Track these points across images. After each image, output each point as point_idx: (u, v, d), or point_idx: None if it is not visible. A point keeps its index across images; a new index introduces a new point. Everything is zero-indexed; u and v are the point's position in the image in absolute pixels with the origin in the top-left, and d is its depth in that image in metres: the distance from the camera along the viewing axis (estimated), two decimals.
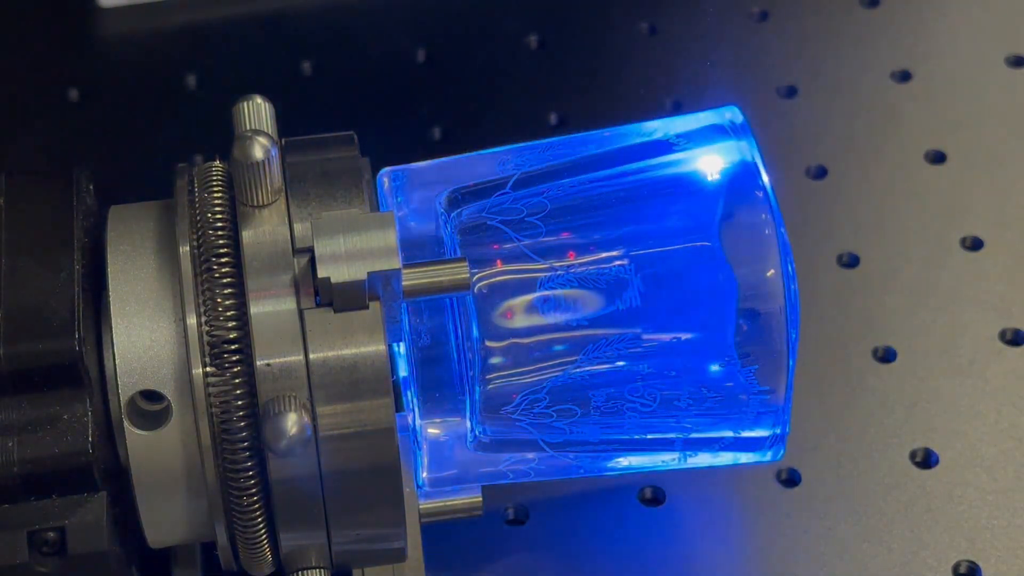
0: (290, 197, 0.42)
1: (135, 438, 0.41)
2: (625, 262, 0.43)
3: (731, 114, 0.46)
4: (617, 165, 0.45)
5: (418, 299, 0.41)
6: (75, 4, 0.64)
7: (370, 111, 0.61)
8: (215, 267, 0.41)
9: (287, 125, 0.44)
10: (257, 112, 0.43)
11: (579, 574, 0.49)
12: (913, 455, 0.51)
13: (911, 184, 0.59)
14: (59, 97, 0.61)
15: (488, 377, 0.43)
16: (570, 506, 0.50)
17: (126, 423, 0.41)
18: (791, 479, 0.51)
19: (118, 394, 0.41)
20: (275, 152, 0.41)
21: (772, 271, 0.43)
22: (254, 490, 0.41)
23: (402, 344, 0.43)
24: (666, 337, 0.43)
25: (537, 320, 0.43)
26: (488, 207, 0.44)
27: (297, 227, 0.41)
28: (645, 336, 0.43)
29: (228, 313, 0.40)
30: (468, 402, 0.43)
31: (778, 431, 0.45)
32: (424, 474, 0.45)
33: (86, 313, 0.41)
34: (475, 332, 0.43)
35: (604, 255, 0.43)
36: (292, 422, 0.39)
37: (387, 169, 0.46)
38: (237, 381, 0.40)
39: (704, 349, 0.43)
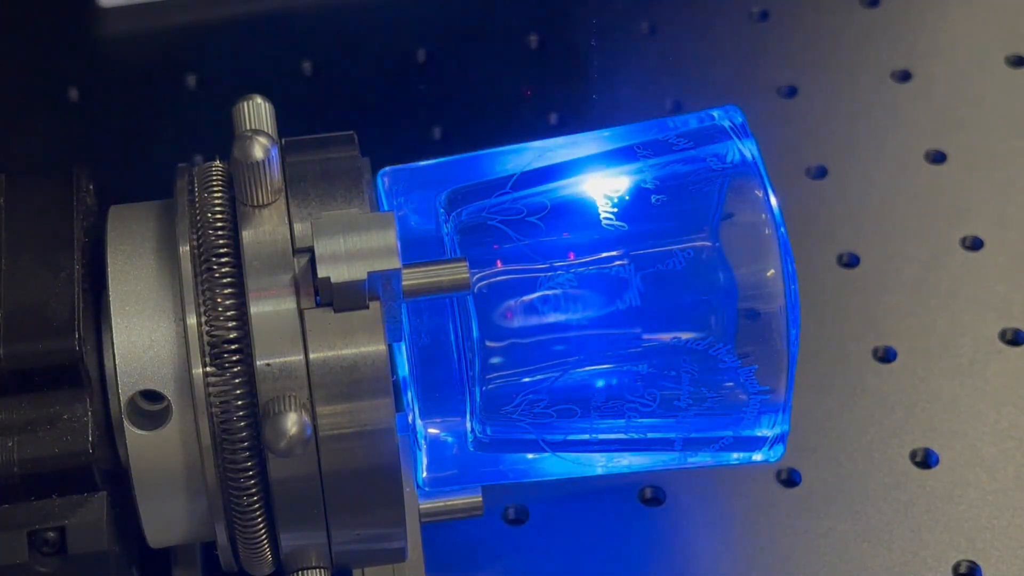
0: (290, 197, 0.42)
1: (135, 438, 0.41)
2: (625, 262, 0.43)
3: (731, 114, 0.46)
4: (617, 165, 0.45)
5: (418, 299, 0.41)
6: (75, 4, 0.64)
7: (370, 111, 0.61)
8: (215, 267, 0.41)
9: (287, 125, 0.44)
10: (257, 112, 0.43)
11: (579, 574, 0.49)
12: (913, 455, 0.51)
13: (911, 184, 0.59)
14: (59, 97, 0.61)
15: (488, 377, 0.43)
16: (570, 506, 0.50)
17: (126, 423, 0.41)
18: (791, 479, 0.51)
19: (118, 394, 0.41)
20: (275, 152, 0.41)
21: (772, 271, 0.43)
22: (254, 490, 0.41)
23: (402, 344, 0.43)
24: (666, 337, 0.43)
25: (537, 320, 0.43)
26: (488, 207, 0.44)
27: (297, 227, 0.41)
28: (645, 336, 0.43)
29: (228, 313, 0.40)
30: (468, 402, 0.43)
31: (778, 431, 0.45)
32: (424, 474, 0.45)
33: (86, 313, 0.41)
34: (475, 332, 0.43)
35: (604, 255, 0.43)
36: (292, 422, 0.39)
37: (387, 169, 0.46)
38: (237, 381, 0.40)
39: (704, 349, 0.43)
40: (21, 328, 0.40)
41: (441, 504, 0.45)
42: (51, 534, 0.41)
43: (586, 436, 0.44)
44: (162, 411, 0.41)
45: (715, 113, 0.46)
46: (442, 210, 0.44)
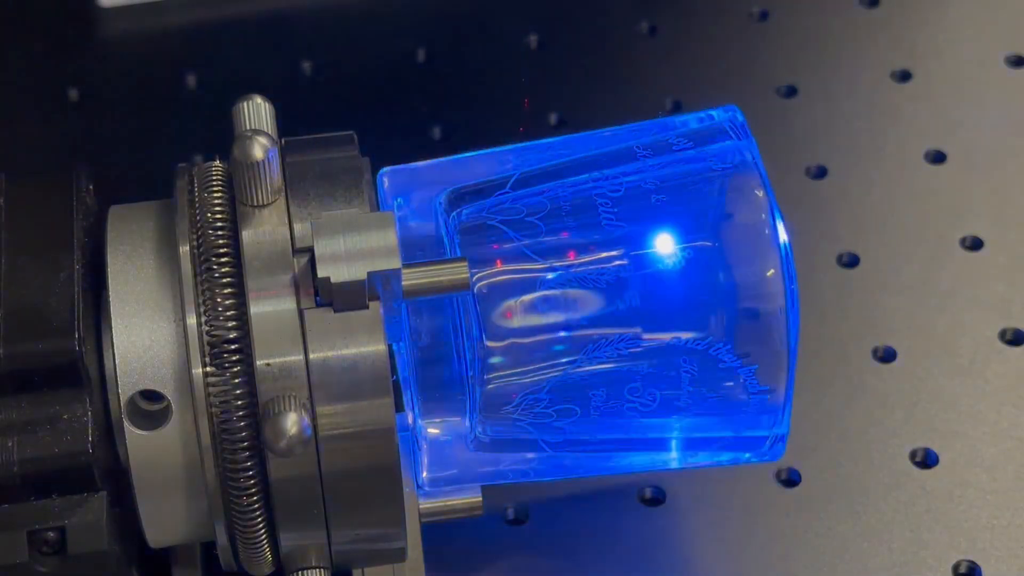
0: (290, 197, 0.42)
1: (135, 438, 0.41)
2: (625, 262, 0.43)
3: (731, 114, 0.46)
4: (617, 165, 0.45)
5: (418, 299, 0.41)
6: (75, 4, 0.64)
7: (370, 111, 0.61)
8: (215, 267, 0.41)
9: (287, 125, 0.44)
10: (257, 112, 0.43)
11: (579, 574, 0.49)
12: (913, 455, 0.51)
13: (911, 184, 0.59)
14: (59, 97, 0.61)
15: (488, 377, 0.43)
16: (570, 506, 0.50)
17: (126, 423, 0.41)
18: (791, 479, 0.51)
19: (118, 394, 0.41)
20: (275, 152, 0.41)
21: (772, 271, 0.43)
22: (254, 490, 0.41)
23: (402, 344, 0.43)
24: (666, 337, 0.43)
25: (537, 320, 0.43)
26: (488, 207, 0.44)
27: (297, 227, 0.41)
28: (645, 336, 0.43)
29: (228, 313, 0.40)
30: (468, 402, 0.43)
31: (778, 431, 0.44)
32: (424, 474, 0.45)
33: (86, 313, 0.41)
34: (475, 332, 0.43)
35: (604, 255, 0.43)
36: (292, 422, 0.39)
37: (387, 169, 0.46)
38: (237, 381, 0.40)
39: (704, 349, 0.43)
40: (21, 328, 0.40)
41: (441, 504, 0.45)
42: (51, 534, 0.41)
43: (586, 436, 0.44)
44: (162, 411, 0.41)
45: (715, 113, 0.46)
46: (442, 210, 0.44)
